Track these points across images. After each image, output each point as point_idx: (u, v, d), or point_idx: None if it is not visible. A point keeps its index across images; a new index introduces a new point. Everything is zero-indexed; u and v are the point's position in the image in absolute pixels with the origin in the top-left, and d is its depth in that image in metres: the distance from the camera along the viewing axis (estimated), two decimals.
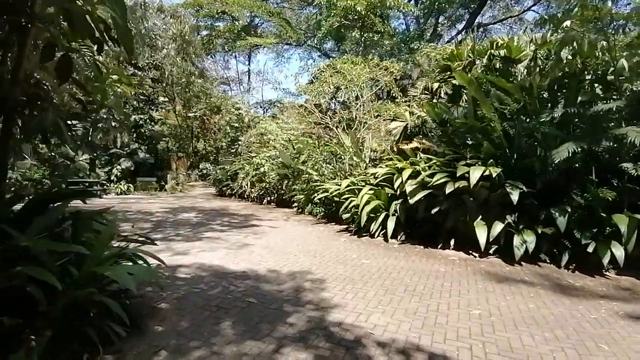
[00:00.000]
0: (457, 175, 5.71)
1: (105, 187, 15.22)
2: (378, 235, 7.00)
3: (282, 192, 12.56)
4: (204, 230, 7.21)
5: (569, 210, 5.07)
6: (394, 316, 3.31)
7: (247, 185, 13.80)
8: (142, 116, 16.00)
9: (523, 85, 5.98)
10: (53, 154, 15.89)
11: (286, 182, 12.26)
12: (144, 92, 16.49)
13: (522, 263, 5.33)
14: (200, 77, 23.99)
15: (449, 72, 8.68)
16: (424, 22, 19.98)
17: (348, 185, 7.77)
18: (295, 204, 11.56)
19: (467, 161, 5.95)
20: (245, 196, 14.32)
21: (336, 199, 8.19)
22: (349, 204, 7.28)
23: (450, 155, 6.45)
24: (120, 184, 16.07)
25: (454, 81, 8.40)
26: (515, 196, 5.23)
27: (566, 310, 3.63)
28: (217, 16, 24.46)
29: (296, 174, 12.02)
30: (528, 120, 6.02)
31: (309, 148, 11.74)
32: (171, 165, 20.54)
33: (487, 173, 5.44)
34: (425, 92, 8.99)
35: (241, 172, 14.39)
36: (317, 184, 9.84)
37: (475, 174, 5.44)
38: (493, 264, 5.37)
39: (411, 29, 20.70)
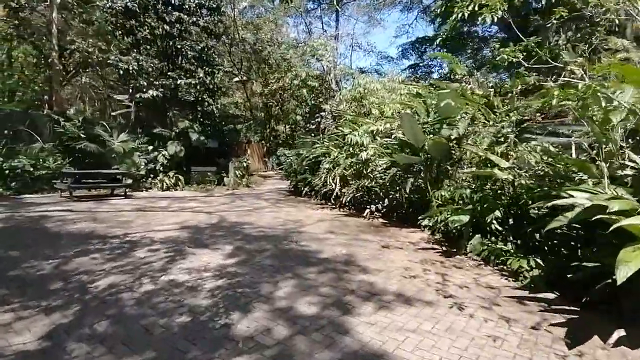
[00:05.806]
0: None
1: (141, 181, 11.11)
2: None
3: (402, 197, 6.59)
4: None
5: None
6: None
7: (335, 183, 8.11)
8: (190, 80, 11.34)
9: None
10: (82, 133, 12.42)
11: (412, 179, 6.24)
12: (192, 42, 11.71)
13: None
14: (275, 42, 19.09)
15: None
16: None
17: None
18: (430, 225, 5.53)
19: None
20: (333, 197, 8.64)
21: None
22: None
23: None
24: (167, 176, 11.91)
25: None
26: None
27: None
28: None
29: (435, 163, 5.90)
30: None
31: (471, 108, 5.46)
32: (237, 151, 16.09)
33: None
34: None
35: (325, 161, 8.75)
36: (515, 189, 3.67)
37: None
38: None
39: None
